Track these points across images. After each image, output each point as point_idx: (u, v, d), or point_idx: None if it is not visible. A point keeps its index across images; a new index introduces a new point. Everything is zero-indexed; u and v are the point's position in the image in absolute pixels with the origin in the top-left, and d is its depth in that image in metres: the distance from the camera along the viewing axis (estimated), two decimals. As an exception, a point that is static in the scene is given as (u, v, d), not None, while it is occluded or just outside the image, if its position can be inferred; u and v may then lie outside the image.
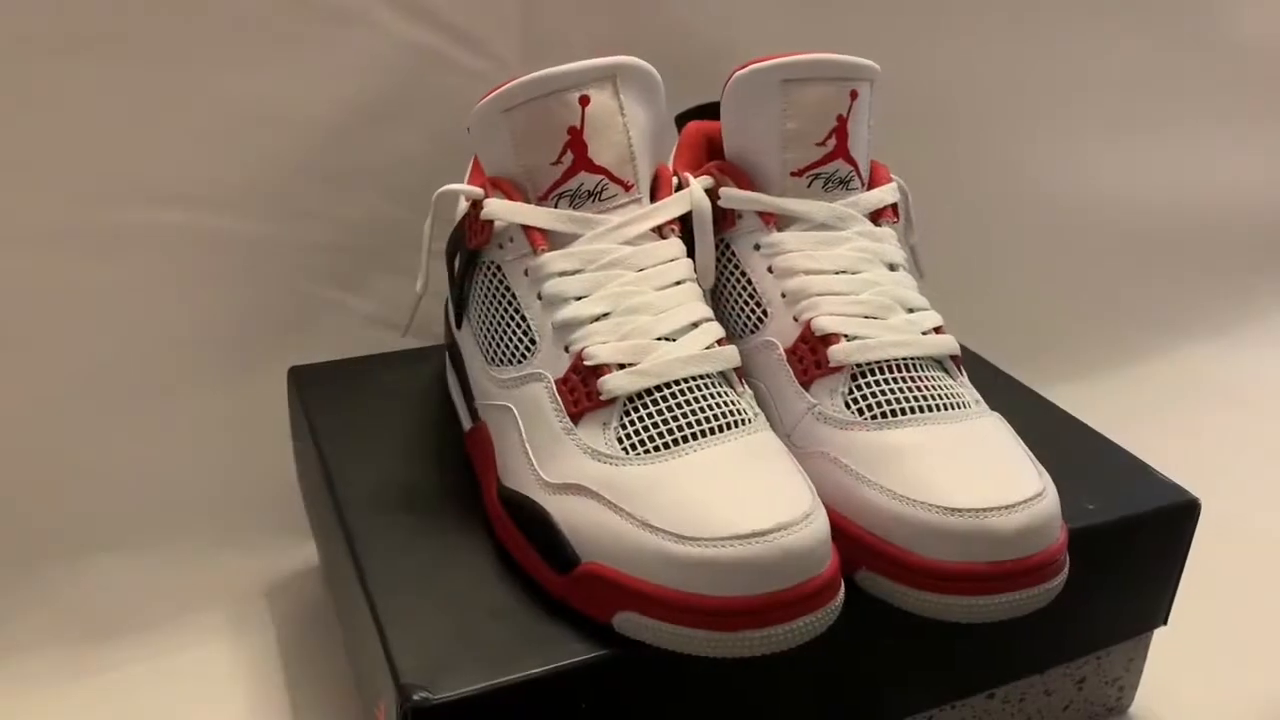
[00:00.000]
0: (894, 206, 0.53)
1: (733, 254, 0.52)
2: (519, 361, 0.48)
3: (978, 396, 0.49)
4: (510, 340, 0.48)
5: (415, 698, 0.39)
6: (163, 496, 0.66)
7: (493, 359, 0.49)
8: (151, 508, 0.66)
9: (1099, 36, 0.89)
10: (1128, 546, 0.52)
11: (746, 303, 0.51)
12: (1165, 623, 0.56)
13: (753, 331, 0.51)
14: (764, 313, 0.50)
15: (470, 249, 0.49)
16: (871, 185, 0.53)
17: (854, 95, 0.50)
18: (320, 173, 0.65)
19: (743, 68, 0.50)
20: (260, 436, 0.66)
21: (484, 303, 0.50)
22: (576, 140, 0.47)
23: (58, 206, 0.60)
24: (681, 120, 0.59)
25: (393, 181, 0.66)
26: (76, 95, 0.59)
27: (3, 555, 0.62)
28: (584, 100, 0.47)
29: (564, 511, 0.43)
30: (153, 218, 0.62)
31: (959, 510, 0.41)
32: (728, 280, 0.52)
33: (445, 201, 0.50)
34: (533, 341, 0.47)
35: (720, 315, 0.53)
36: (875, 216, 0.52)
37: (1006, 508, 0.41)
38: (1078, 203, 0.95)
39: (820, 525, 0.41)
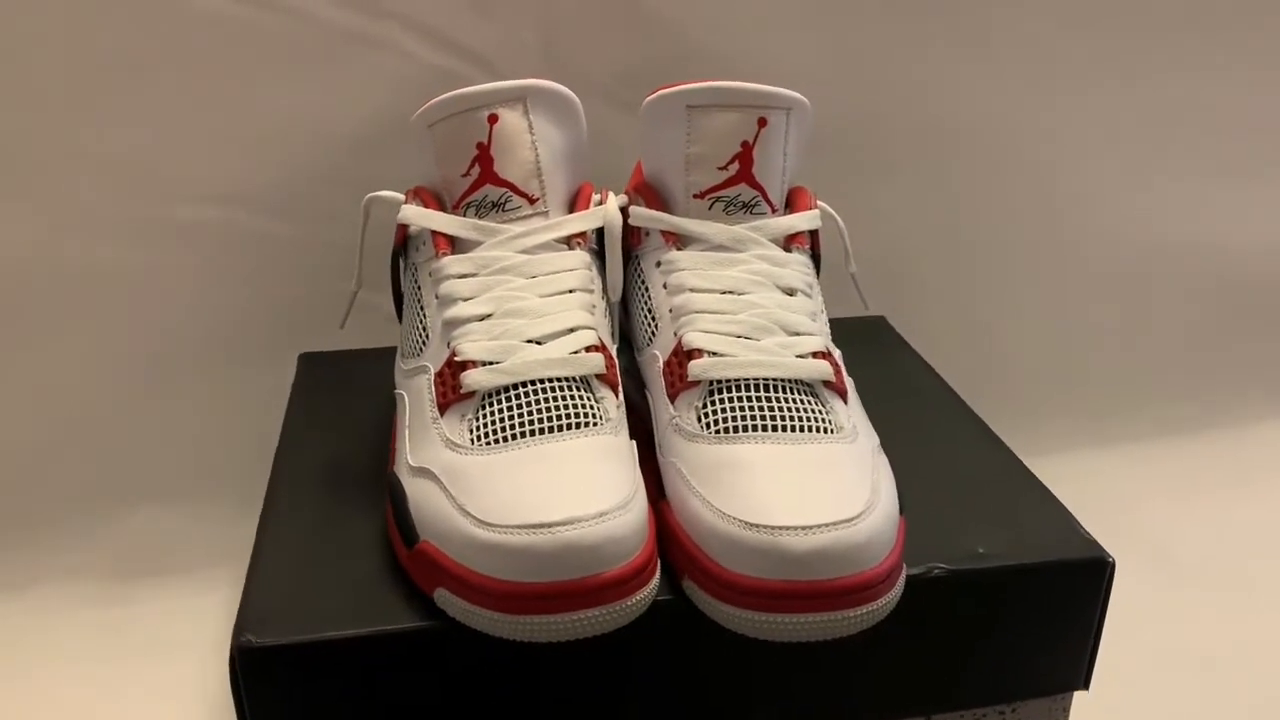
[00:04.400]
0: (814, 233, 0.54)
1: (640, 269, 0.54)
2: (416, 355, 0.52)
3: (852, 424, 0.48)
4: (414, 334, 0.52)
5: (241, 639, 0.44)
6: (198, 460, 0.75)
7: (402, 351, 0.54)
8: (187, 469, 0.75)
9: (1181, 71, 0.84)
10: (1022, 596, 0.50)
11: (645, 317, 0.53)
12: (1085, 686, 0.53)
13: (648, 344, 0.53)
14: (657, 327, 0.52)
15: (394, 249, 0.54)
16: (792, 211, 0.54)
17: (762, 123, 0.51)
18: (348, 180, 0.71)
19: (654, 93, 0.52)
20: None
21: (405, 299, 0.55)
22: (484, 155, 0.51)
23: (119, 203, 0.70)
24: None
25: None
26: (140, 107, 0.68)
27: (55, 499, 0.73)
28: (492, 118, 0.51)
29: (415, 493, 0.47)
30: (200, 214, 0.71)
31: (758, 526, 0.42)
32: (634, 294, 0.54)
33: (379, 206, 0.55)
34: (428, 337, 0.51)
35: (628, 327, 0.56)
36: (788, 242, 0.53)
37: (804, 528, 0.41)
38: (1182, 254, 0.90)
39: (618, 525, 0.42)
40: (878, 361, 0.70)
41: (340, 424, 0.61)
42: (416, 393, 0.50)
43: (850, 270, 0.57)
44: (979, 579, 0.49)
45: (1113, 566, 0.50)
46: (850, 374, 0.58)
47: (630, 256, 0.55)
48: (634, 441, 0.49)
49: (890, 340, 0.74)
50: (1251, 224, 0.88)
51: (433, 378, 0.49)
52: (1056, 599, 0.51)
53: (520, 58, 0.72)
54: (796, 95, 0.52)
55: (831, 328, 0.74)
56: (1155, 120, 0.83)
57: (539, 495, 0.43)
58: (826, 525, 0.42)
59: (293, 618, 0.45)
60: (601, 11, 0.72)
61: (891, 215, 0.81)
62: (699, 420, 0.47)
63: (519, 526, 0.41)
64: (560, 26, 0.72)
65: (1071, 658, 0.52)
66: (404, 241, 0.54)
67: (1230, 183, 0.86)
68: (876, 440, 0.50)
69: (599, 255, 0.54)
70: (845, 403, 0.50)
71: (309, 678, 0.45)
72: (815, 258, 0.56)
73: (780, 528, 0.42)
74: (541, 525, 0.41)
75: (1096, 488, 0.78)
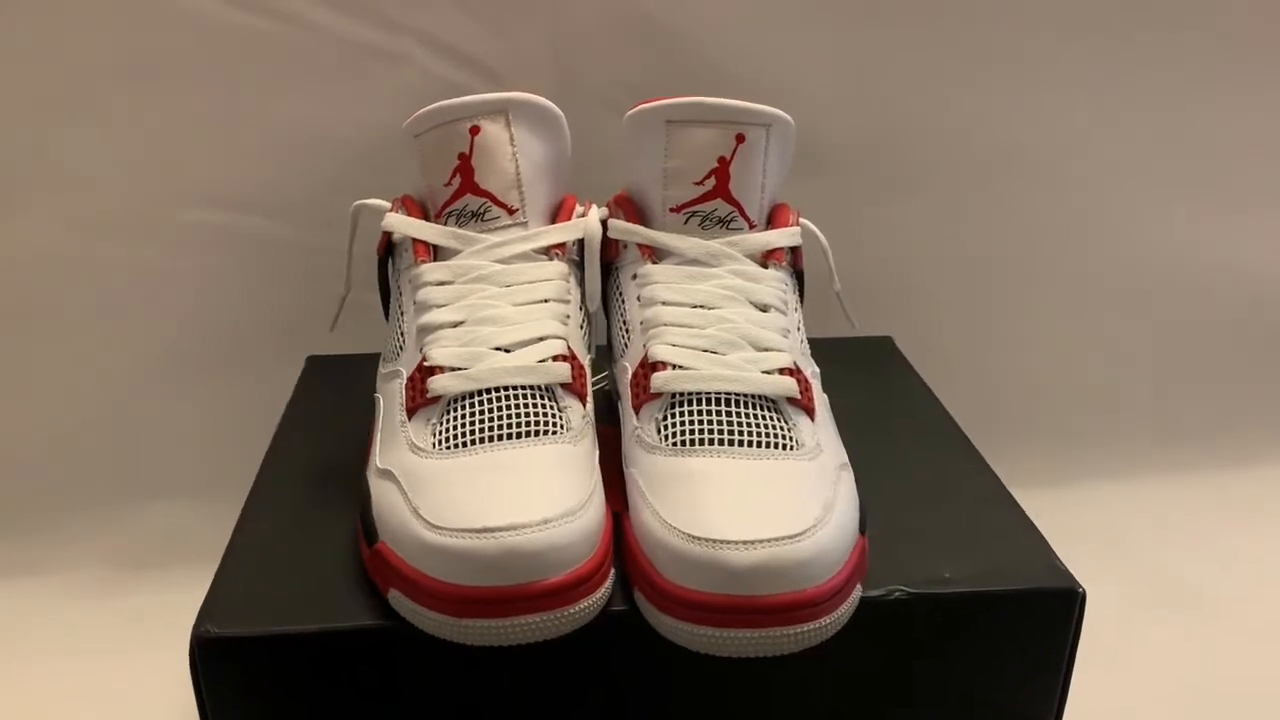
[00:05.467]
0: (795, 250, 0.54)
1: (618, 281, 0.54)
2: (394, 359, 0.53)
3: (816, 441, 0.48)
4: (393, 339, 0.54)
5: (200, 629, 0.45)
6: (208, 458, 0.77)
7: (383, 356, 0.55)
8: (198, 466, 0.77)
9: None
10: (987, 624, 0.49)
11: (621, 329, 0.53)
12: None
13: (621, 356, 0.53)
14: (629, 339, 0.52)
15: (379, 256, 0.55)
16: (773, 227, 0.54)
17: (740, 139, 0.51)
18: (359, 188, 0.73)
19: (634, 107, 0.53)
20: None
21: (390, 304, 0.56)
22: (465, 165, 0.52)
23: (138, 205, 0.73)
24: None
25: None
26: (157, 113, 0.71)
27: (75, 491, 0.76)
28: (474, 130, 0.52)
29: (378, 494, 0.48)
30: (214, 218, 0.74)
31: (700, 539, 0.42)
32: (612, 306, 0.55)
33: (369, 213, 0.56)
34: (404, 342, 0.52)
35: (609, 338, 0.56)
36: (766, 258, 0.53)
37: (745, 542, 0.41)
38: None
39: (561, 533, 0.42)
40: (877, 382, 0.70)
41: (334, 426, 0.62)
42: (390, 396, 0.51)
43: (835, 289, 0.57)
44: (941, 603, 0.48)
45: (1083, 597, 0.49)
46: (847, 394, 0.58)
47: (610, 269, 0.55)
48: (597, 451, 0.49)
49: (893, 361, 0.73)
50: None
51: (404, 382, 0.50)
52: (1024, 629, 0.49)
53: (531, 71, 0.73)
54: (778, 112, 0.52)
55: (836, 347, 0.74)
56: (1180, 142, 0.81)
57: (486, 500, 0.43)
58: (768, 540, 0.41)
59: (255, 611, 0.46)
60: (613, 25, 0.73)
61: (903, 235, 0.80)
62: (658, 432, 0.48)
63: (463, 530, 0.42)
64: (572, 40, 0.73)
65: (1042, 691, 0.51)
66: (387, 248, 0.55)
67: (1255, 209, 0.84)
68: (843, 459, 0.50)
69: (582, 267, 0.55)
70: (812, 420, 0.49)
71: (266, 670, 0.46)
72: (799, 275, 0.56)
73: (721, 541, 0.42)
74: (484, 530, 0.42)
75: (1105, 520, 0.77)
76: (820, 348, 0.72)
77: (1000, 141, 0.79)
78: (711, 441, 0.46)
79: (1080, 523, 0.75)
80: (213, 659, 0.45)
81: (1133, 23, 0.76)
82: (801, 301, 0.57)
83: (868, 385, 0.69)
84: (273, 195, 0.74)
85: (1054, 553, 0.51)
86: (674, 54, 0.74)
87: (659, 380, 0.48)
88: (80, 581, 0.72)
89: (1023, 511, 0.55)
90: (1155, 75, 0.79)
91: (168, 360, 0.76)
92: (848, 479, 0.48)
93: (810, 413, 0.49)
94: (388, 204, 0.55)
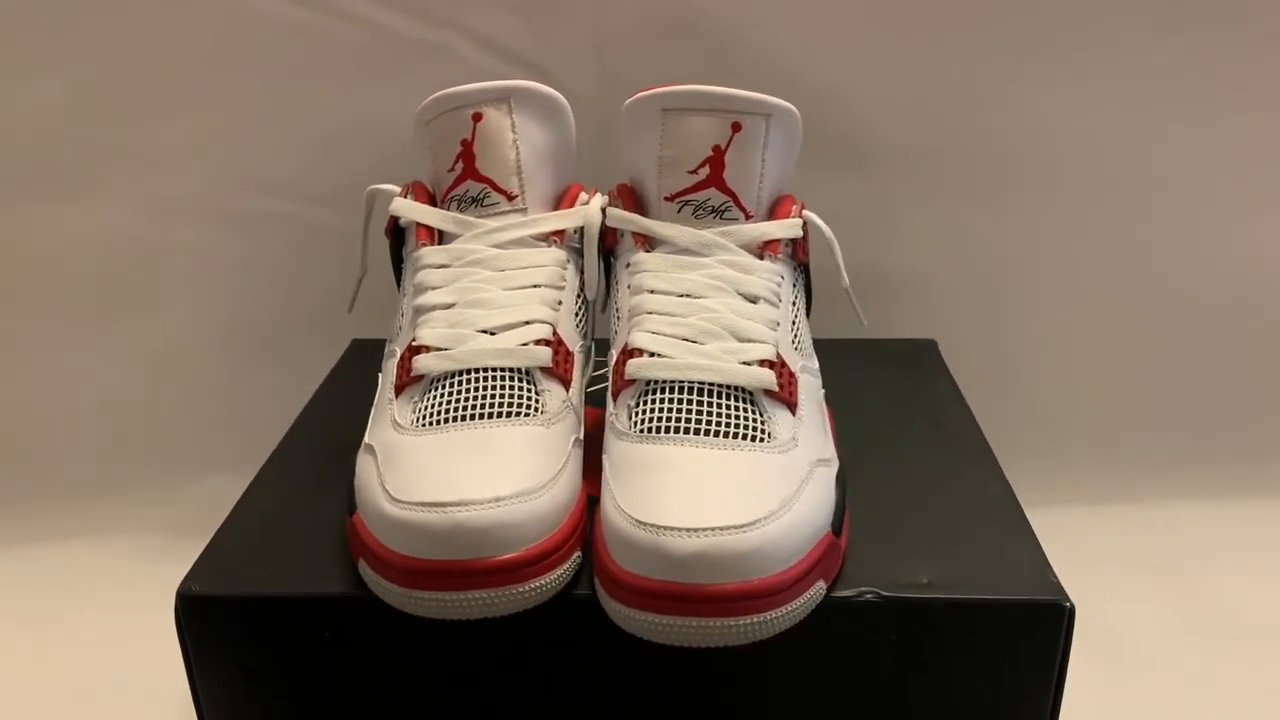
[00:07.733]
0: (795, 242, 0.53)
1: (615, 270, 0.54)
2: (394, 339, 0.54)
3: (793, 435, 0.47)
4: (396, 319, 0.55)
5: (184, 587, 0.48)
6: (267, 435, 0.80)
7: (389, 335, 0.56)
8: (257, 443, 0.80)
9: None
10: (963, 634, 0.47)
11: (615, 316, 0.53)
12: (1047, 740, 0.49)
13: (612, 344, 0.53)
14: (619, 327, 0.52)
15: (388, 239, 0.57)
16: (774, 219, 0.53)
17: (736, 127, 0.51)
18: (401, 179, 0.76)
19: (633, 96, 0.53)
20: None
21: (399, 286, 0.57)
22: (467, 151, 0.53)
23: (199, 191, 0.77)
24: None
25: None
26: (218, 105, 0.75)
27: (129, 463, 0.81)
28: (477, 117, 0.53)
29: (360, 468, 0.49)
30: (269, 206, 0.78)
31: (646, 524, 0.42)
32: (611, 294, 0.55)
33: (383, 198, 0.58)
34: (402, 323, 0.54)
35: (609, 325, 0.56)
36: (762, 249, 0.52)
37: (690, 530, 0.41)
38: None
39: (512, 512, 0.43)
40: (911, 384, 0.68)
41: (360, 406, 0.64)
42: (386, 374, 0.53)
43: (843, 285, 0.56)
44: (914, 608, 0.46)
45: (1071, 612, 0.46)
46: (878, 394, 0.56)
47: (611, 257, 0.55)
48: (576, 436, 0.49)
49: (932, 365, 0.71)
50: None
51: (397, 360, 0.52)
52: (1009, 642, 0.47)
53: (575, 65, 0.73)
54: (779, 102, 0.51)
55: (878, 348, 0.72)
56: (1237, 150, 0.76)
57: (444, 476, 0.44)
58: (712, 529, 0.41)
59: (240, 574, 0.49)
60: (657, 21, 0.73)
61: (954, 239, 0.78)
62: (629, 418, 0.47)
63: (418, 504, 0.43)
64: (615, 35, 0.73)
65: (1029, 709, 0.49)
66: (394, 232, 0.56)
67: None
68: (824, 455, 0.48)
69: (583, 255, 0.55)
70: (793, 414, 0.48)
71: (245, 630, 0.48)
72: (805, 269, 0.55)
73: (666, 528, 0.41)
74: (436, 504, 0.43)
75: (1152, 541, 0.73)
76: (862, 348, 0.71)
77: (1054, 148, 0.76)
78: (679, 429, 0.46)
79: (1124, 542, 0.71)
80: (194, 616, 0.48)
81: (1192, 30, 0.72)
82: (809, 295, 0.56)
83: (900, 387, 0.67)
84: (324, 185, 0.77)
85: (1049, 566, 0.49)
86: (721, 50, 0.74)
87: (633, 367, 0.48)
88: (125, 546, 0.76)
89: (1026, 522, 0.52)
90: (1213, 83, 0.74)
91: (226, 339, 0.81)
92: (823, 476, 0.47)
93: (791, 406, 0.48)
94: (398, 189, 0.56)
